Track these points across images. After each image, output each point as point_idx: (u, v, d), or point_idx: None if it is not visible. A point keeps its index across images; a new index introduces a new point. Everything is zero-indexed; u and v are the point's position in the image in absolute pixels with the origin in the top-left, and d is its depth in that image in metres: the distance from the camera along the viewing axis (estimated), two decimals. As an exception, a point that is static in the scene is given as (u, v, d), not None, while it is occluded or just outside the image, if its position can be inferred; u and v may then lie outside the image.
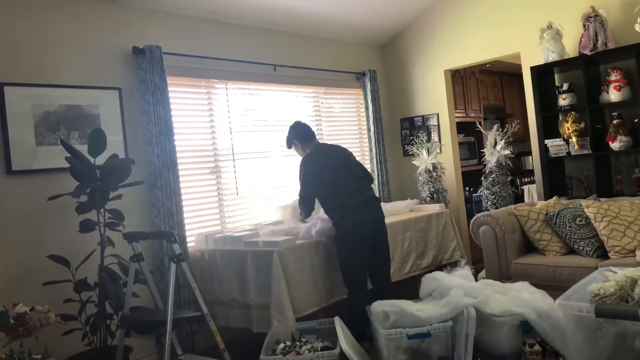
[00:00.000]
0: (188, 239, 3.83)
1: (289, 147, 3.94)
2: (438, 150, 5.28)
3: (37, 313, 2.56)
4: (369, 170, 5.44)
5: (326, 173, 3.66)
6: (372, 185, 3.94)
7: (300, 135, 3.86)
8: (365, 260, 3.54)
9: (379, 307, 3.05)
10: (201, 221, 4.09)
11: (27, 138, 3.20)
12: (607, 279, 2.40)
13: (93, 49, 3.54)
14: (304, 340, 3.02)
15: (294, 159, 4.77)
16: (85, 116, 3.46)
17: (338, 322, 3.05)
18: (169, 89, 3.77)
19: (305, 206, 3.77)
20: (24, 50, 3.23)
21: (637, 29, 3.96)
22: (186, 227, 3.81)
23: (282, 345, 2.96)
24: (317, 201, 3.79)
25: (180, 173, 3.80)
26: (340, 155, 3.82)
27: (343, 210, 3.53)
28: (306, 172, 3.70)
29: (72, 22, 3.46)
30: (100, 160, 3.15)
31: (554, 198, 4.23)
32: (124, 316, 3.07)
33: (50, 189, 3.19)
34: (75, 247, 3.23)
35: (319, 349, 2.90)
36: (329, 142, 4.56)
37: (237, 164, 4.35)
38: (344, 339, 2.89)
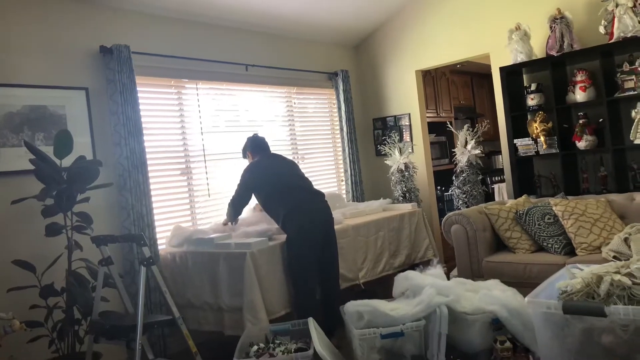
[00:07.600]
0: (159, 241, 3.77)
1: (244, 157, 4.00)
2: (410, 150, 5.32)
3: (0, 320, 2.48)
4: (338, 171, 5.47)
5: (273, 178, 3.68)
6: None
7: (252, 147, 3.91)
8: (315, 262, 3.52)
9: (352, 307, 3.05)
10: (172, 223, 4.02)
11: (-11, 140, 3.11)
12: (574, 276, 2.44)
13: (59, 48, 3.45)
14: (277, 342, 3.00)
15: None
16: (51, 117, 3.37)
17: (312, 323, 3.04)
18: (138, 89, 3.70)
19: (234, 209, 3.78)
20: (-14, 49, 3.14)
21: (601, 31, 4.07)
22: (157, 229, 3.75)
23: (255, 348, 2.94)
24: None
25: (150, 174, 3.75)
26: (289, 165, 3.87)
27: (290, 210, 3.52)
28: (249, 177, 3.72)
29: (37, 20, 3.36)
30: (67, 162, 3.08)
31: (524, 196, 4.30)
32: (92, 321, 3.01)
33: (14, 192, 3.09)
34: (41, 252, 3.14)
35: (293, 350, 2.88)
36: (294, 146, 4.49)
37: (209, 165, 4.31)
38: (318, 340, 2.88)
